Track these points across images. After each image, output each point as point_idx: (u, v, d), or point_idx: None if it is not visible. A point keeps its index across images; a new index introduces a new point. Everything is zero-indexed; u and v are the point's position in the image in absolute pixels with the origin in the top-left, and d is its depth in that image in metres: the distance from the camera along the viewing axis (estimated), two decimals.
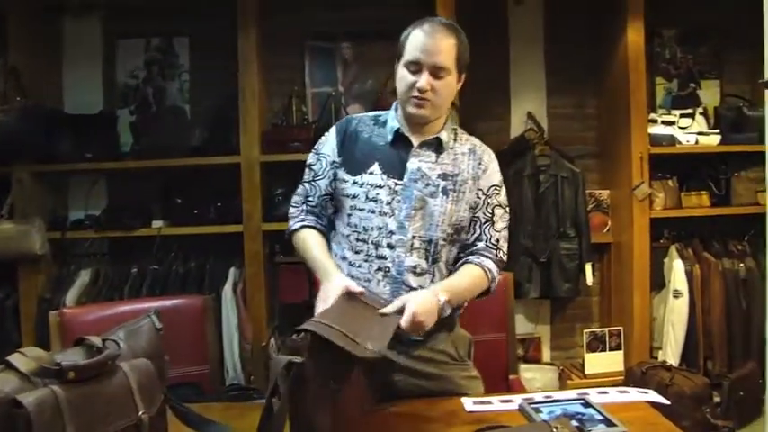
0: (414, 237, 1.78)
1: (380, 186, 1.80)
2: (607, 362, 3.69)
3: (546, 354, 4.01)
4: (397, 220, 1.78)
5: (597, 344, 3.70)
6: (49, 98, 3.68)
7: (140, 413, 1.21)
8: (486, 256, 1.84)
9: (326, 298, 1.62)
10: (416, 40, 1.76)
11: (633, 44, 3.62)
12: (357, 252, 1.81)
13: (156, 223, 3.55)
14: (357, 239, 1.81)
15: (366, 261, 1.80)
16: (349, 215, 1.83)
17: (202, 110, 3.78)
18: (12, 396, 1.02)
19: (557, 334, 4.04)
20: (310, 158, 1.94)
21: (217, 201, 3.57)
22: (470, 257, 1.84)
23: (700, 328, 3.65)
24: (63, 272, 3.64)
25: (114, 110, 3.80)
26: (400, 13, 3.37)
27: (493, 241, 1.85)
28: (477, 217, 1.85)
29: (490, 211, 1.86)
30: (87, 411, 1.10)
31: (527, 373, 3.69)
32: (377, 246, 1.79)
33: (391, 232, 1.78)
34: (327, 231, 1.92)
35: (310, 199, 1.91)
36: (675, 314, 3.64)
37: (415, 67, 1.76)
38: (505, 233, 1.89)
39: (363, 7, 3.73)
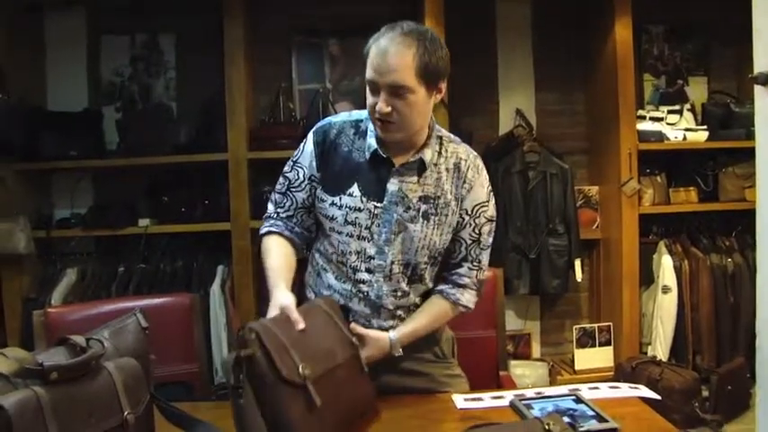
0: (393, 262, 1.71)
1: (360, 210, 1.70)
2: (597, 357, 3.70)
3: (536, 350, 4.01)
4: (376, 244, 1.70)
5: (587, 340, 3.70)
6: (33, 95, 3.64)
7: (126, 413, 1.18)
8: (465, 285, 1.78)
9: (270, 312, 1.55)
10: (372, 57, 1.60)
11: (621, 40, 3.62)
12: (337, 272, 1.76)
13: (143, 221, 3.52)
14: (337, 261, 1.75)
15: (345, 283, 1.74)
16: (328, 236, 1.76)
17: (189, 107, 3.74)
18: None
19: (546, 330, 4.04)
20: (286, 167, 1.83)
21: (204, 198, 3.55)
22: (445, 289, 1.79)
23: (688, 324, 3.67)
24: (49, 271, 3.60)
25: (99, 107, 3.76)
26: (388, 9, 3.37)
27: (476, 261, 1.79)
28: (463, 237, 1.77)
29: (477, 232, 1.77)
30: (71, 412, 1.08)
31: (517, 369, 3.69)
32: (355, 270, 1.72)
33: (370, 257, 1.71)
34: (300, 237, 1.82)
35: (283, 209, 1.81)
36: (664, 309, 3.65)
37: (373, 87, 1.61)
38: (490, 247, 1.82)
39: (351, 3, 3.71)
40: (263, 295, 3.57)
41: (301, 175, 1.78)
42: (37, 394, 1.04)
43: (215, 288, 3.44)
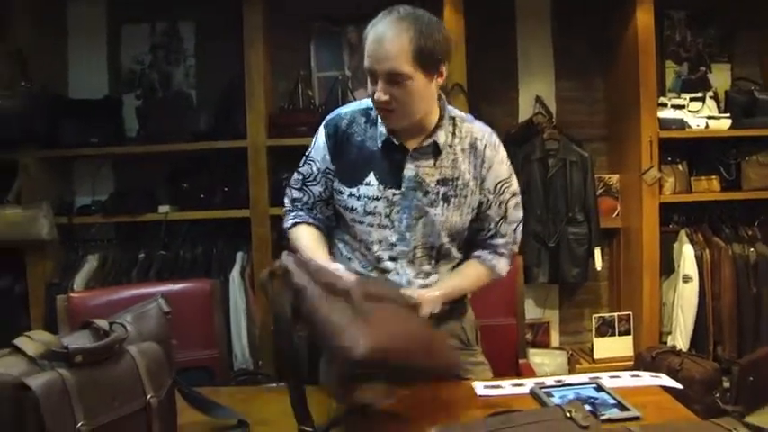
0: (416, 247, 1.72)
1: (378, 198, 1.70)
2: (616, 347, 3.67)
3: (555, 338, 4.00)
4: (397, 231, 1.71)
5: (606, 329, 3.68)
6: (54, 83, 3.66)
7: (148, 397, 1.19)
8: (501, 254, 1.81)
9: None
10: (368, 45, 1.58)
11: (643, 27, 3.57)
12: (362, 262, 1.76)
13: (163, 208, 3.55)
14: (360, 251, 1.75)
15: (372, 271, 1.74)
16: (350, 227, 1.76)
17: (208, 94, 3.75)
18: (19, 379, 1.01)
19: (565, 319, 4.02)
20: (301, 162, 1.85)
21: (224, 185, 3.56)
22: (482, 255, 1.81)
23: (709, 314, 3.63)
24: (70, 257, 3.64)
25: (120, 95, 3.78)
26: None
27: (509, 236, 1.81)
28: (490, 216, 1.78)
29: (504, 208, 1.78)
30: (95, 395, 1.09)
31: (536, 357, 3.68)
32: (379, 259, 1.73)
33: (393, 244, 1.72)
34: (324, 225, 1.84)
35: (301, 203, 1.83)
36: (685, 299, 3.62)
37: (372, 75, 1.60)
38: (521, 222, 1.83)
39: None
40: None
41: (314, 170, 1.79)
42: (62, 376, 1.05)
43: (234, 275, 3.45)
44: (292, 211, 1.85)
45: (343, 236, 1.81)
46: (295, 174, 1.84)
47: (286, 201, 1.87)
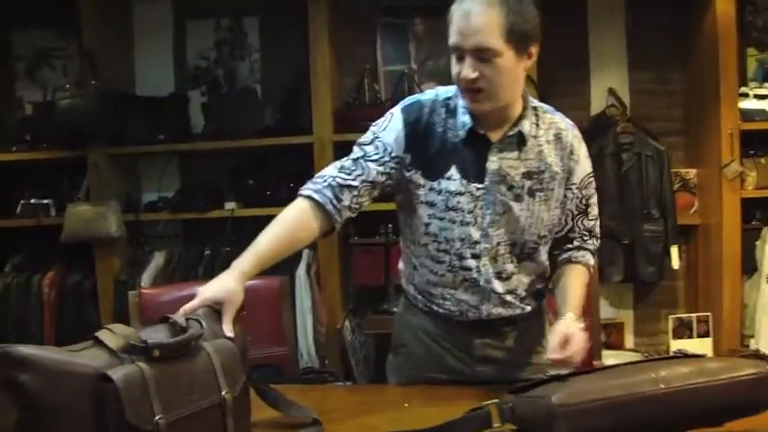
0: (498, 243, 1.63)
1: (461, 194, 1.61)
2: (695, 349, 3.50)
3: (629, 340, 3.86)
4: (480, 228, 1.62)
5: (684, 330, 3.54)
6: (122, 81, 3.72)
7: (223, 392, 1.20)
8: (587, 249, 1.77)
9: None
10: (454, 21, 1.50)
11: (722, 13, 3.40)
12: (439, 262, 1.67)
13: (229, 205, 3.54)
14: (438, 249, 1.66)
15: (450, 272, 1.66)
16: (427, 224, 1.65)
17: (273, 90, 3.75)
18: (102, 371, 1.03)
19: (640, 319, 3.88)
20: (364, 137, 1.67)
21: (289, 181, 3.53)
22: (570, 254, 1.77)
23: None
24: (138, 254, 3.69)
25: (185, 91, 3.81)
26: None
27: (594, 231, 1.78)
28: (569, 209, 1.72)
29: (585, 203, 1.73)
30: (172, 389, 1.10)
31: (609, 359, 3.54)
32: (460, 257, 1.64)
33: (475, 242, 1.63)
34: (340, 213, 1.59)
35: (350, 177, 1.60)
36: None
37: (458, 53, 1.52)
38: (598, 217, 1.80)
39: None
40: (347, 279, 3.58)
41: (381, 151, 1.63)
42: (142, 370, 1.06)
43: (300, 272, 3.44)
44: (322, 181, 1.60)
45: (416, 236, 1.70)
46: (356, 147, 1.66)
47: (329, 168, 1.64)
